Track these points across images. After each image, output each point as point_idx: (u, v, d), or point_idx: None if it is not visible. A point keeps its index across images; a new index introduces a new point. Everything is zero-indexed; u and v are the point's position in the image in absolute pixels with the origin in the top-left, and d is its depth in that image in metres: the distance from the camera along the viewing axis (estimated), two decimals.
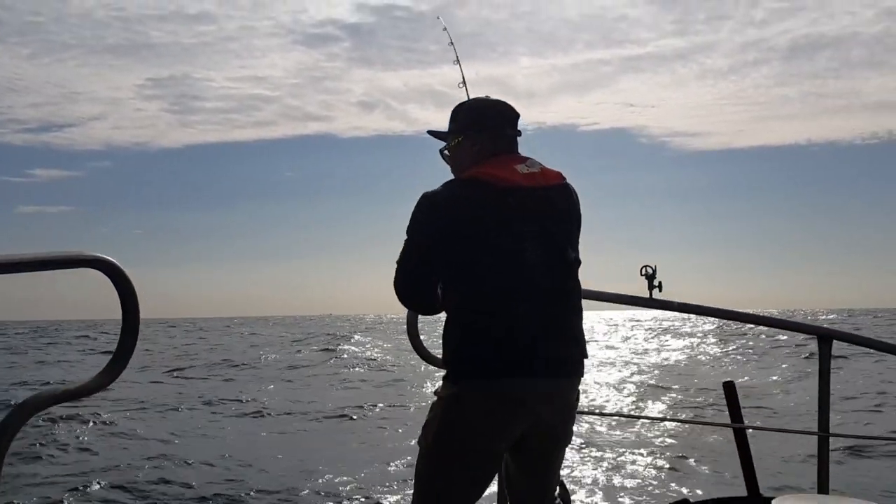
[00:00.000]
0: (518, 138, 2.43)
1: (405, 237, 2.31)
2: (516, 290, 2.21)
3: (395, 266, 2.32)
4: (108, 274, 1.95)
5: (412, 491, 2.35)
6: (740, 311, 3.29)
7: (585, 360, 2.34)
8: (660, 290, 3.12)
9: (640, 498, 8.12)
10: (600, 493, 8.26)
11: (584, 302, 2.40)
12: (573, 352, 2.30)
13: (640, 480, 8.93)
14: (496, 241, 2.22)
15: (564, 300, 2.30)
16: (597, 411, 14.12)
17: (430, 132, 2.51)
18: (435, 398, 2.31)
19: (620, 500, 8.09)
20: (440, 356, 2.45)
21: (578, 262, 2.36)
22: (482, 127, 2.39)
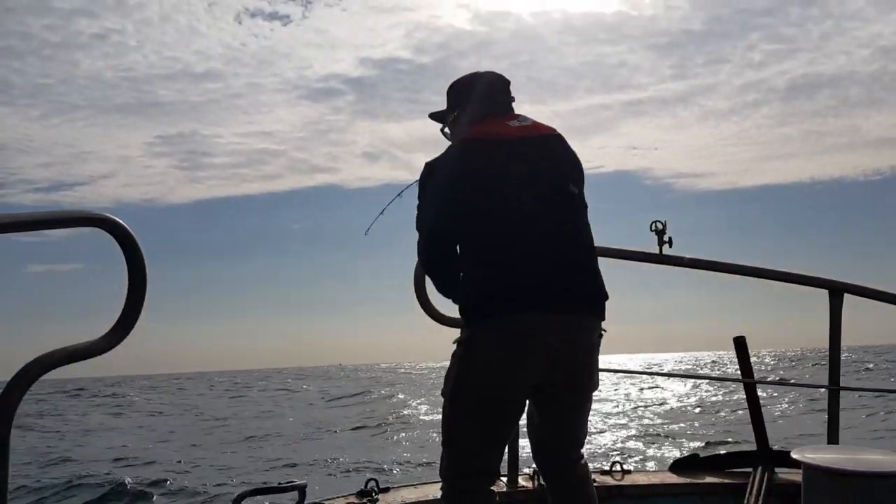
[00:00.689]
0: (513, 103, 2.53)
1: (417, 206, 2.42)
2: (520, 230, 2.25)
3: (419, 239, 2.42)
4: (113, 233, 1.95)
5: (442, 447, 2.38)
6: (749, 265, 3.26)
7: (606, 303, 2.35)
8: (670, 246, 3.10)
9: (650, 452, 8.19)
10: (610, 447, 8.35)
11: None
12: (588, 287, 2.31)
13: (652, 436, 9.01)
14: (494, 187, 2.28)
15: (573, 236, 2.33)
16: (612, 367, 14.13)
17: (430, 114, 2.62)
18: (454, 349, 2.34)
19: (633, 454, 8.17)
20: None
21: (584, 203, 2.41)
22: (475, 98, 2.49)
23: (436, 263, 2.44)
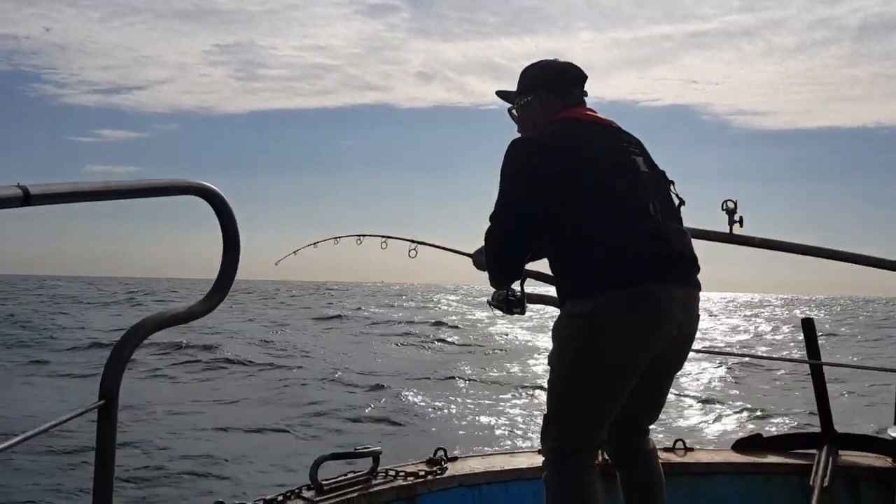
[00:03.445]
0: (585, 98, 2.55)
1: (501, 189, 2.35)
2: (639, 204, 2.27)
3: (490, 224, 2.37)
4: (210, 201, 2.03)
5: (543, 420, 2.36)
6: (823, 247, 3.24)
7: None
8: (741, 226, 3.09)
9: (710, 431, 8.18)
10: (672, 426, 8.35)
11: None
12: (696, 261, 2.36)
13: (709, 415, 8.98)
14: (606, 163, 2.30)
15: (677, 214, 2.40)
16: None
17: (498, 92, 2.63)
18: (559, 322, 2.31)
19: (689, 432, 8.16)
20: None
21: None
22: (551, 86, 2.51)
23: (517, 240, 2.38)
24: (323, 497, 2.73)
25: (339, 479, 2.87)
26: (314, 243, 3.02)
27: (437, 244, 3.12)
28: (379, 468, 2.93)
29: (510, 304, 2.60)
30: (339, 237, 3.19)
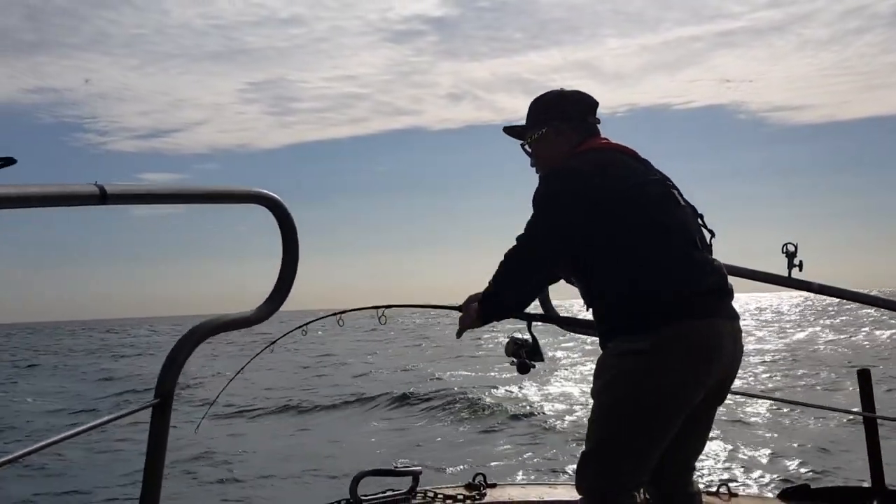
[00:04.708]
0: (598, 125, 2.49)
1: (536, 216, 2.28)
2: (675, 237, 2.23)
3: (519, 246, 2.28)
4: (271, 208, 2.08)
5: (582, 457, 2.27)
6: (887, 298, 3.16)
7: None
8: (800, 270, 3.04)
9: (758, 480, 8.00)
10: (717, 471, 8.18)
11: None
12: (733, 296, 2.31)
13: (759, 462, 8.79)
14: (650, 195, 2.26)
15: (710, 248, 2.35)
16: None
17: (506, 129, 2.57)
18: (608, 359, 2.24)
19: (736, 480, 7.98)
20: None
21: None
22: (566, 116, 2.44)
23: (542, 264, 2.30)
24: None
25: (378, 495, 2.88)
26: (302, 328, 2.96)
27: (415, 304, 2.88)
28: (418, 488, 2.94)
29: (528, 352, 2.44)
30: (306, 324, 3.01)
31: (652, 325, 2.15)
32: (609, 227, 2.22)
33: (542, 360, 2.47)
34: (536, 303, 2.62)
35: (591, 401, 2.29)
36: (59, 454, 9.17)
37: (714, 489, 3.27)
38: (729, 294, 2.28)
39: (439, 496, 2.93)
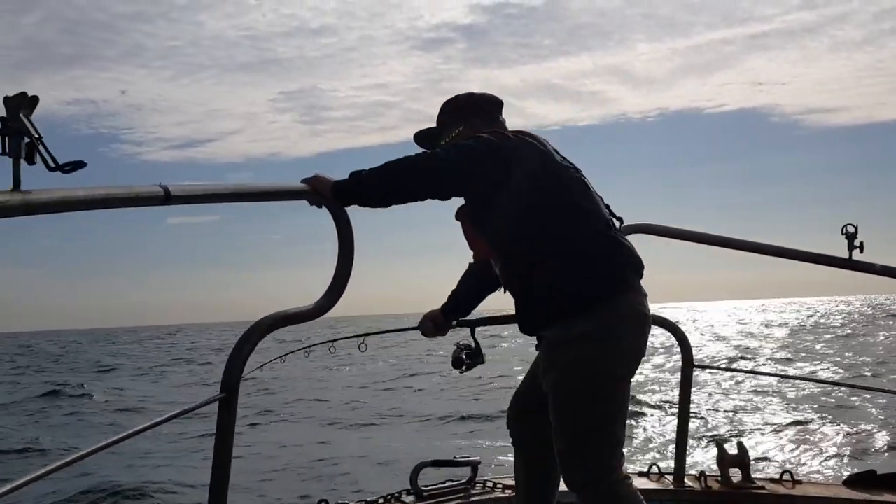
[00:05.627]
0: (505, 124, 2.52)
1: (455, 146, 2.24)
2: (601, 218, 2.28)
3: (422, 157, 2.22)
4: (326, 204, 2.12)
5: (563, 454, 2.25)
6: None
7: None
8: (861, 252, 2.96)
9: (821, 466, 7.88)
10: (779, 456, 8.09)
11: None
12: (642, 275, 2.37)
13: (824, 448, 8.66)
14: (568, 179, 2.28)
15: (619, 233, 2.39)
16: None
17: (417, 135, 2.57)
18: (554, 349, 2.24)
19: (804, 465, 7.88)
20: None
21: None
22: (480, 113, 2.50)
23: (417, 191, 2.20)
24: (422, 503, 2.77)
25: (438, 486, 2.90)
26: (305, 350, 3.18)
27: (387, 330, 3.14)
28: (477, 478, 2.95)
29: (469, 354, 2.68)
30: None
31: (588, 305, 2.18)
32: (533, 198, 2.22)
33: (482, 362, 2.72)
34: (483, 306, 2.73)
35: None
36: (132, 447, 9.40)
37: (777, 476, 3.23)
38: (642, 268, 2.33)
39: (498, 486, 2.94)
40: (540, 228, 2.23)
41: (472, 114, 2.49)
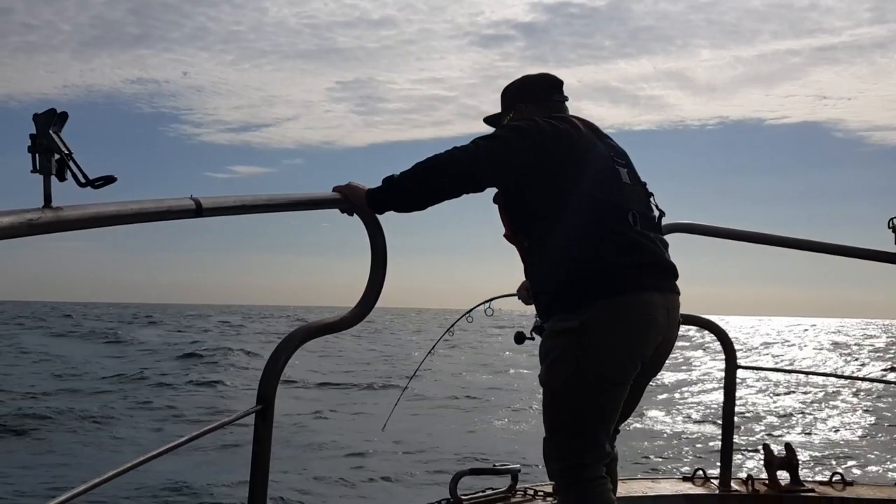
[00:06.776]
0: (566, 103, 2.50)
1: (487, 139, 2.21)
2: (616, 212, 2.22)
3: (457, 153, 2.16)
4: (358, 213, 2.12)
5: (544, 443, 2.27)
6: None
7: None
8: None
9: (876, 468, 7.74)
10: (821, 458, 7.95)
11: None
12: (675, 272, 2.31)
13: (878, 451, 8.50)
14: (590, 166, 2.24)
15: (657, 226, 2.35)
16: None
17: (485, 119, 2.61)
18: (546, 341, 2.24)
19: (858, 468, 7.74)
20: None
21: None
22: (531, 97, 2.48)
23: (454, 189, 2.19)
24: None
25: (478, 494, 2.87)
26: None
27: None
28: (518, 486, 2.92)
29: (535, 331, 2.71)
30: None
31: (580, 302, 2.15)
32: (546, 190, 2.22)
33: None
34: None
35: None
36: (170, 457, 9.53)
37: (827, 478, 3.15)
38: (665, 269, 2.26)
39: (539, 493, 2.90)
40: (542, 219, 2.23)
41: (520, 99, 2.50)
